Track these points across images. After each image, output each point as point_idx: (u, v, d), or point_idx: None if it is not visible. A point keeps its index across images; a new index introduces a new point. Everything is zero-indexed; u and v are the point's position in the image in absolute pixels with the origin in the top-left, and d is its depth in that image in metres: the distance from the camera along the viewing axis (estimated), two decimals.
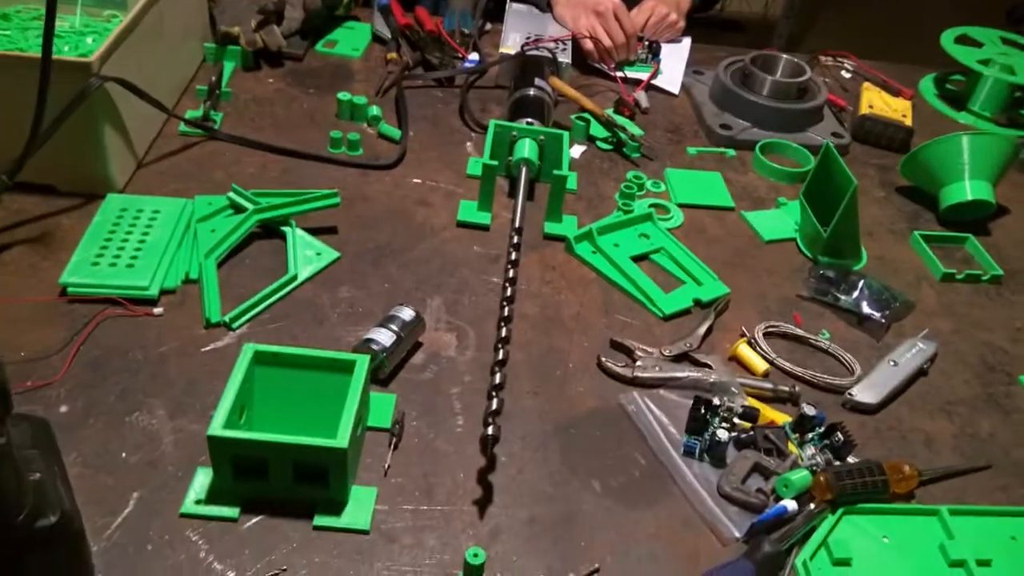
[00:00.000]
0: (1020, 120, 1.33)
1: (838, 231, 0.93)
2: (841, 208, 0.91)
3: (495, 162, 0.93)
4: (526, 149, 0.98)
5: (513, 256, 0.82)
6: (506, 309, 0.76)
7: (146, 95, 0.92)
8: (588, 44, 1.27)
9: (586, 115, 1.14)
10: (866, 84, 1.30)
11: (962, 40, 1.35)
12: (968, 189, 1.03)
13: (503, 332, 0.72)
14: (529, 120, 1.03)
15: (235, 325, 0.78)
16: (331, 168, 1.01)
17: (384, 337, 0.73)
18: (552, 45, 1.22)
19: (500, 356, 0.69)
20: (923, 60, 1.45)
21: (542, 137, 1.00)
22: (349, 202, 0.96)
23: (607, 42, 1.27)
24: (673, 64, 1.35)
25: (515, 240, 0.84)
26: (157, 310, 0.78)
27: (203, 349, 0.75)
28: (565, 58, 1.22)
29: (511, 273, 0.80)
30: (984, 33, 1.38)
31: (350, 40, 1.29)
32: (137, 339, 0.75)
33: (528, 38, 1.26)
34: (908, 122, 1.21)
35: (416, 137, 1.10)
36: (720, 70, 1.24)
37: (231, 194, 0.90)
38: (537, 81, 1.11)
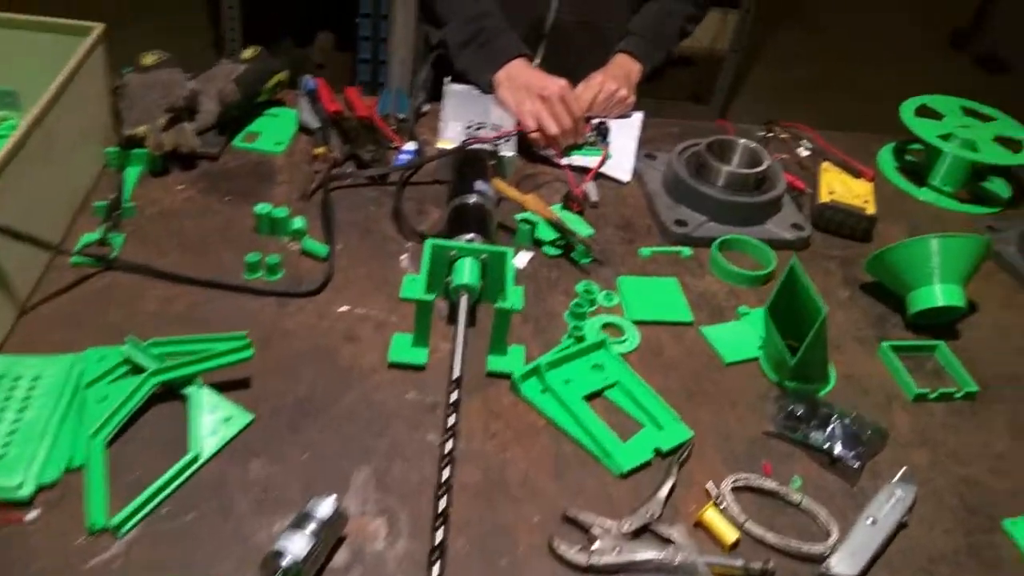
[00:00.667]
0: (983, 194, 1.29)
1: (805, 359, 0.85)
2: (809, 338, 0.83)
3: (430, 297, 0.84)
4: (466, 272, 0.88)
5: (451, 421, 0.73)
6: (441, 502, 0.66)
7: (28, 237, 0.81)
8: (533, 134, 1.18)
9: (532, 216, 1.06)
10: (825, 165, 1.23)
11: (922, 111, 1.30)
12: (938, 294, 0.97)
13: (438, 536, 0.63)
14: (470, 237, 0.93)
15: (123, 531, 0.66)
16: (246, 298, 0.91)
17: (298, 546, 0.63)
18: (493, 140, 1.13)
19: (435, 573, 0.60)
20: (877, 96, 1.39)
21: (484, 256, 0.90)
22: (266, 341, 0.85)
23: (552, 129, 1.18)
24: (623, 143, 1.27)
25: (453, 398, 0.75)
26: (30, 516, 0.67)
27: (85, 566, 0.64)
28: (509, 150, 1.13)
29: (448, 446, 0.71)
30: (944, 103, 1.33)
31: (273, 131, 1.19)
32: (3, 558, 0.63)
33: (469, 126, 1.17)
34: (870, 208, 1.15)
35: (345, 251, 1.00)
36: (673, 156, 1.16)
37: (126, 347, 0.79)
38: (478, 184, 1.02)
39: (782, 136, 1.37)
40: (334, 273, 0.95)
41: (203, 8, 3.58)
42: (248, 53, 1.20)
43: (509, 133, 1.15)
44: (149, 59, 1.17)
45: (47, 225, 0.91)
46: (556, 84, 1.18)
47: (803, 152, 1.32)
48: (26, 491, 0.67)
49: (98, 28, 1.00)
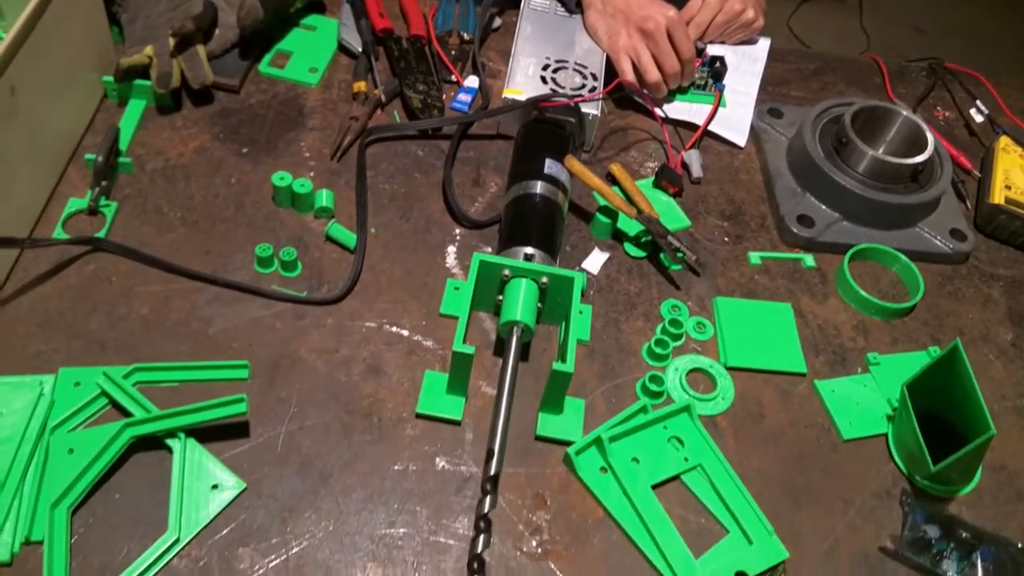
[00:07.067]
0: None
1: (950, 467, 0.65)
2: (960, 453, 0.63)
3: (469, 350, 0.66)
4: (520, 301, 0.70)
5: (480, 546, 0.57)
6: None
7: None
8: (628, 77, 0.93)
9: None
10: (1004, 142, 0.95)
11: None
12: None
13: None
14: (528, 253, 0.74)
15: None
16: (255, 304, 0.74)
17: None
18: (574, 102, 0.88)
19: None
20: None
21: (545, 279, 0.71)
22: (271, 370, 0.70)
23: (653, 76, 0.92)
24: (742, 87, 1.01)
25: (486, 507, 0.59)
26: None
27: None
28: (593, 108, 0.89)
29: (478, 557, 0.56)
30: None
31: (308, 51, 0.97)
32: None
33: (546, 66, 0.92)
34: None
35: (380, 235, 0.81)
36: (806, 125, 0.90)
37: (102, 380, 0.65)
38: (548, 166, 0.80)
39: (951, 86, 1.07)
40: (362, 271, 0.78)
41: None
42: None
43: (595, 96, 0.89)
44: None
45: (28, 187, 0.76)
46: (662, 14, 0.91)
47: (975, 115, 1.03)
48: None
49: None
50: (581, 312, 0.77)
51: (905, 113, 0.88)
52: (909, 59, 1.12)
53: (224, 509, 0.62)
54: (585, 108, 0.88)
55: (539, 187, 0.78)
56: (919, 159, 0.84)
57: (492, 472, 0.60)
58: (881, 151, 0.86)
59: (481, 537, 0.58)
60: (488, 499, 0.59)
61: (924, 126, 0.87)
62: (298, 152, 0.87)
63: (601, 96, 0.89)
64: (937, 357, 0.68)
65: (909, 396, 0.69)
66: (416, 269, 0.79)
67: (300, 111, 0.91)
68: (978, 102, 1.03)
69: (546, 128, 0.84)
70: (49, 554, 0.58)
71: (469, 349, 0.65)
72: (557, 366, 0.65)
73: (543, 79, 0.91)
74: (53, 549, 0.58)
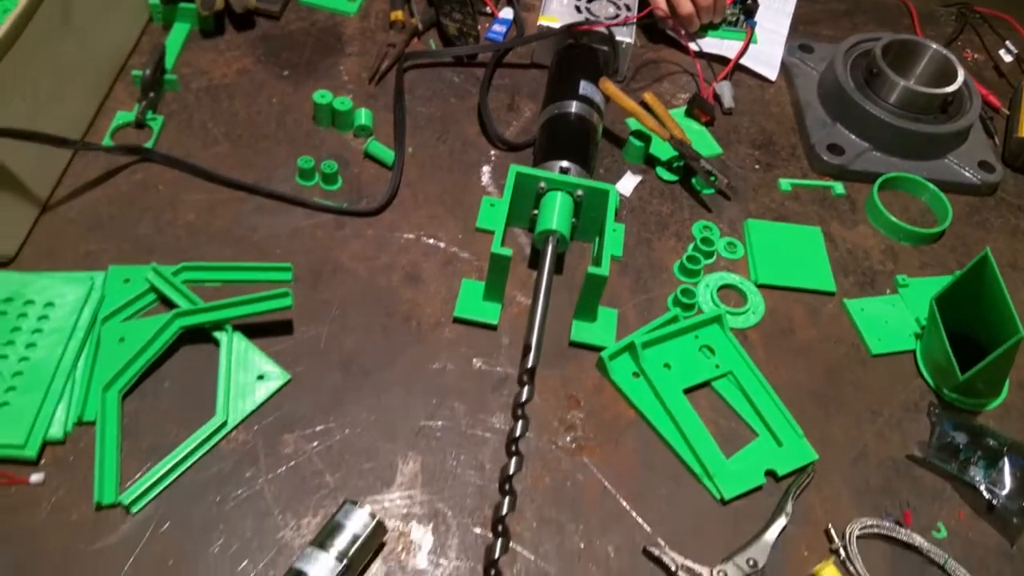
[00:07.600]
0: None
1: (978, 376, 0.66)
2: (990, 359, 0.64)
3: (507, 252, 0.67)
4: (555, 212, 0.71)
5: (518, 431, 0.59)
6: (502, 507, 0.54)
7: (40, 135, 0.67)
8: (662, 8, 0.94)
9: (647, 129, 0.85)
10: None
11: None
12: None
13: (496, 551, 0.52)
14: (564, 166, 0.75)
15: (135, 508, 0.58)
16: (296, 214, 0.76)
17: (322, 570, 0.53)
18: (608, 26, 0.89)
19: None
20: None
21: (580, 192, 0.73)
22: (315, 275, 0.72)
23: (686, 7, 0.93)
24: (772, 24, 1.01)
25: (524, 397, 0.61)
26: (35, 477, 0.58)
27: (92, 547, 0.56)
28: (627, 36, 0.90)
29: (512, 467, 0.58)
30: None
31: None
32: (4, 529, 0.56)
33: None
34: None
35: (416, 156, 0.83)
36: (838, 57, 0.91)
37: (150, 275, 0.68)
38: (583, 87, 0.81)
39: (978, 27, 1.07)
40: (400, 188, 0.80)
41: None
42: None
43: (629, 20, 0.90)
44: None
45: (78, 98, 0.78)
46: None
47: (1004, 56, 1.03)
48: (32, 450, 0.59)
49: None
50: (614, 230, 0.79)
51: (935, 46, 0.89)
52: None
53: (270, 398, 0.64)
54: (619, 36, 0.89)
55: (574, 106, 0.79)
56: (950, 89, 0.85)
57: (529, 365, 0.62)
58: (912, 82, 0.87)
59: (519, 423, 0.59)
60: (526, 389, 0.61)
61: (954, 58, 0.87)
62: (337, 76, 0.89)
63: (634, 20, 0.90)
64: (966, 268, 0.69)
65: (938, 310, 0.70)
66: (452, 187, 0.81)
67: (339, 38, 0.93)
68: (1007, 43, 1.03)
69: (581, 52, 0.85)
70: (101, 433, 0.60)
71: (507, 252, 0.67)
72: (592, 270, 0.67)
73: (577, 8, 0.92)
74: (105, 429, 0.60)
